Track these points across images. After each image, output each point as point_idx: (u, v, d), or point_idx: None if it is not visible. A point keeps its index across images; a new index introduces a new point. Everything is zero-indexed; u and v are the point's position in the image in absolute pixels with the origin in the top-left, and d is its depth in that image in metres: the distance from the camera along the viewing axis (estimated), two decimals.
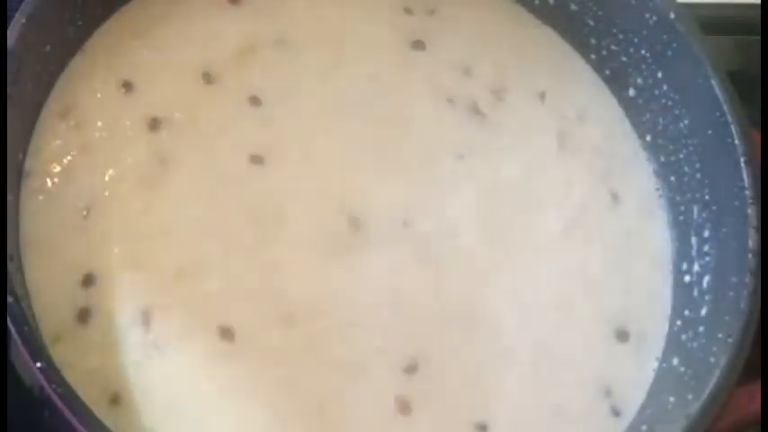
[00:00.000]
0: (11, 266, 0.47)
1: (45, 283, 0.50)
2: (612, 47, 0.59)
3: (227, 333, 0.51)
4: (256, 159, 0.54)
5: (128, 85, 0.55)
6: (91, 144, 0.53)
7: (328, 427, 0.50)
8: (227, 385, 0.50)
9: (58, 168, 0.52)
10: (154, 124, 0.54)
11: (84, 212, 0.52)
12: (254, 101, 0.56)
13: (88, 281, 0.50)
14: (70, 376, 0.46)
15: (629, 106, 0.59)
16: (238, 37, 0.57)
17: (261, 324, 0.51)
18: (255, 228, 0.53)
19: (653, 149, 0.58)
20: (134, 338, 0.50)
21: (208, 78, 0.56)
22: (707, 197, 0.55)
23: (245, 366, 0.50)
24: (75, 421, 0.43)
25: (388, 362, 0.52)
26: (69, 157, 0.53)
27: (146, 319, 0.50)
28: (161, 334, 0.50)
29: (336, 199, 0.54)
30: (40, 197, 0.52)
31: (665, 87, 0.57)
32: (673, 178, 0.57)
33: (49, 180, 0.52)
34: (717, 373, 0.49)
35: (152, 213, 0.52)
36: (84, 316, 0.50)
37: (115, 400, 0.49)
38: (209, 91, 0.56)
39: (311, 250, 0.53)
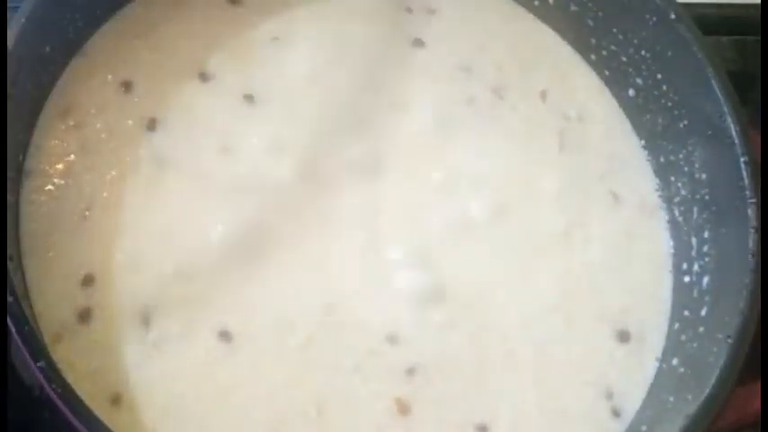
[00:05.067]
0: (11, 266, 0.47)
1: (45, 283, 0.50)
2: (612, 47, 0.59)
3: (225, 335, 0.51)
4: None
5: (127, 85, 0.55)
6: (90, 144, 0.53)
7: (327, 428, 0.50)
8: (227, 385, 0.50)
9: (58, 169, 0.52)
10: (152, 125, 0.54)
11: (86, 213, 0.52)
12: (248, 99, 0.56)
13: (88, 281, 0.51)
14: (70, 376, 0.46)
15: (629, 106, 0.59)
16: (236, 36, 0.57)
17: (259, 326, 0.51)
18: (255, 227, 0.53)
19: (653, 149, 0.58)
20: (134, 338, 0.50)
21: (204, 77, 0.56)
22: (707, 197, 0.55)
23: (244, 367, 0.50)
24: (75, 421, 0.43)
25: (388, 364, 0.52)
26: (70, 158, 0.53)
27: (145, 319, 0.50)
28: (161, 334, 0.50)
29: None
30: (41, 197, 0.52)
31: (664, 87, 0.57)
32: (673, 178, 0.57)
33: (49, 180, 0.52)
34: (716, 373, 0.49)
35: (151, 214, 0.52)
36: (84, 316, 0.50)
37: (116, 400, 0.49)
38: (204, 90, 0.56)
39: (309, 251, 0.53)
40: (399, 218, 0.55)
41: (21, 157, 0.52)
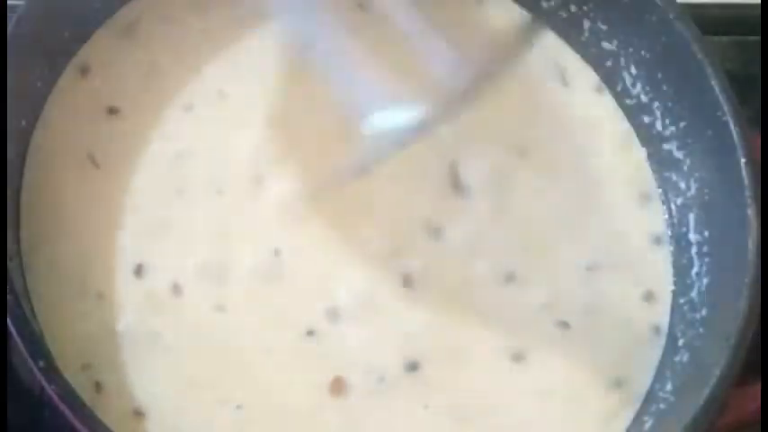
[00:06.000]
0: (11, 266, 0.47)
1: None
2: (612, 48, 0.59)
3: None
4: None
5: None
6: None
7: None
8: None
9: None
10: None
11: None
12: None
13: None
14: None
15: (629, 107, 0.59)
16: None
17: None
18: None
19: (653, 149, 0.58)
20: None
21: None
22: (707, 197, 0.55)
23: None
24: (75, 421, 0.43)
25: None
26: None
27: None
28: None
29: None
30: None
31: (665, 87, 0.57)
32: (673, 178, 0.57)
33: None
34: (717, 373, 0.49)
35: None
36: None
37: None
38: None
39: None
40: None
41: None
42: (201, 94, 0.56)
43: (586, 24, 0.59)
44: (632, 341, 0.55)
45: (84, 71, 0.55)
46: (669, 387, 0.52)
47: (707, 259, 0.54)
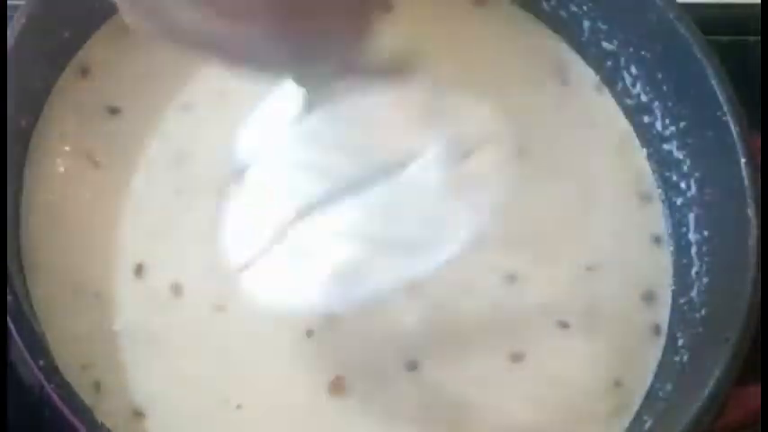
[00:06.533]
0: (11, 266, 0.47)
1: None
2: (612, 47, 0.59)
3: None
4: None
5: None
6: None
7: None
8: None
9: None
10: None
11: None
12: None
13: None
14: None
15: (629, 107, 0.59)
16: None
17: None
18: None
19: (653, 149, 0.58)
20: None
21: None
22: (707, 197, 0.55)
23: None
24: (75, 421, 0.43)
25: None
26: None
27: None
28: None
29: None
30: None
31: (665, 87, 0.57)
32: (673, 178, 0.57)
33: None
34: (716, 373, 0.49)
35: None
36: None
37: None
38: None
39: None
40: None
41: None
42: (201, 94, 0.56)
43: (586, 24, 0.59)
44: (632, 341, 0.55)
45: (85, 71, 0.55)
46: (669, 387, 0.52)
47: (707, 259, 0.54)
